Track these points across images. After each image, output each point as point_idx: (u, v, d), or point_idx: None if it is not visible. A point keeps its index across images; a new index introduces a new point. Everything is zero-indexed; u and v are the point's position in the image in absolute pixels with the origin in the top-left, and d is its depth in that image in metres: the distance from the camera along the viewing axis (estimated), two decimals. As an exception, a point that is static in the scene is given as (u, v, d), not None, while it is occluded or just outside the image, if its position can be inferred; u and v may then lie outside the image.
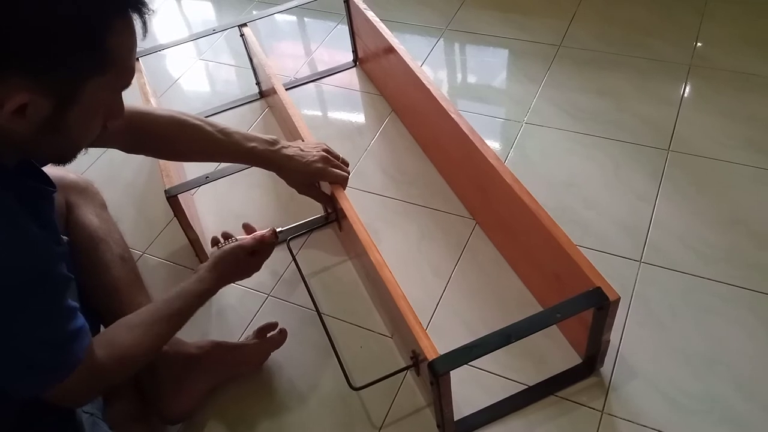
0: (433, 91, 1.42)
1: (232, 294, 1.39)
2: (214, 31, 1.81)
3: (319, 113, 1.85)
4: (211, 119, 1.22)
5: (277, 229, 1.20)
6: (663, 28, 1.87)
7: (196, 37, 1.84)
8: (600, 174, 1.52)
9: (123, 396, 1.14)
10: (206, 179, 1.35)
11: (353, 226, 1.18)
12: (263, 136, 1.22)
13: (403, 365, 1.12)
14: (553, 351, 1.22)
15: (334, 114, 1.83)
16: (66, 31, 0.68)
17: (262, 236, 1.16)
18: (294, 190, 1.26)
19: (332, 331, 1.26)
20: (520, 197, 1.17)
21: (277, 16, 2.14)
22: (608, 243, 1.38)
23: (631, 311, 1.26)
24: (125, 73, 0.77)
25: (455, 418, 1.10)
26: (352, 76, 1.92)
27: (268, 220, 1.20)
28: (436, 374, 0.95)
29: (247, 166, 1.29)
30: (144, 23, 0.75)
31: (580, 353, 1.19)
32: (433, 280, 1.37)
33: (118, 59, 0.74)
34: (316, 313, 1.22)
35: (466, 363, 0.97)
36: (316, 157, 1.23)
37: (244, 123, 1.81)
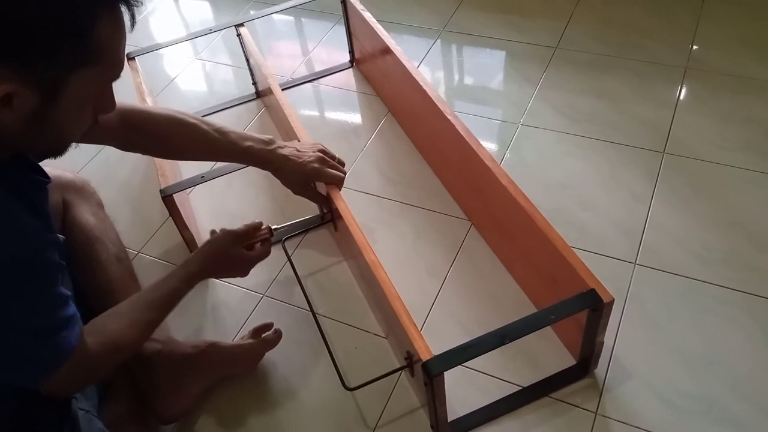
0: (429, 93, 1.42)
1: (227, 294, 1.39)
2: (211, 31, 1.81)
3: (316, 113, 1.84)
4: (208, 119, 1.21)
5: (273, 227, 1.20)
6: (660, 30, 1.88)
7: (192, 37, 1.85)
8: (596, 176, 1.52)
9: (118, 395, 1.14)
10: (202, 179, 1.35)
11: (348, 226, 1.18)
12: (259, 136, 1.22)
13: (398, 366, 1.12)
14: (547, 352, 1.22)
15: (330, 114, 1.83)
16: (53, 22, 0.68)
17: (253, 224, 1.16)
18: (289, 190, 1.27)
19: (327, 332, 1.26)
20: (515, 199, 1.17)
21: (274, 16, 2.14)
22: (604, 245, 1.38)
23: (626, 313, 1.26)
24: (114, 65, 0.77)
25: (449, 419, 1.10)
26: (348, 77, 1.92)
27: (264, 220, 1.20)
28: (430, 375, 0.95)
29: (243, 165, 1.29)
30: (132, 15, 0.75)
31: (575, 354, 1.19)
32: (428, 281, 1.37)
33: (106, 51, 0.73)
34: (310, 313, 1.22)
35: (460, 364, 0.97)
36: (312, 158, 1.23)
37: (241, 123, 1.81)
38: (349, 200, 1.23)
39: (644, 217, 1.42)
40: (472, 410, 1.16)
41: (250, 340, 1.24)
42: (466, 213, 1.48)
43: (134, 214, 1.61)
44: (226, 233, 1.13)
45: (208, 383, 1.21)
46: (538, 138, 1.64)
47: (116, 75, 0.78)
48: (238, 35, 1.75)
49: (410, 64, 1.51)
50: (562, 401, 1.16)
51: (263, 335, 1.25)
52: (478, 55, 1.94)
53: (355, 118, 1.79)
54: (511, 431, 1.13)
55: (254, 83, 1.88)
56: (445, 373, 0.96)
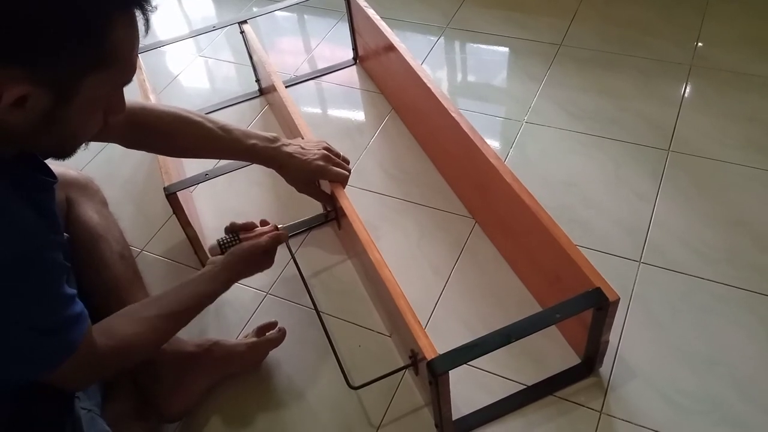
0: (433, 90, 1.41)
1: (230, 292, 1.37)
2: (214, 28, 1.81)
3: (319, 111, 1.84)
4: (212, 116, 1.21)
5: (279, 226, 1.20)
6: (664, 28, 1.87)
7: (196, 34, 1.84)
8: (600, 174, 1.52)
9: (121, 394, 1.14)
10: (205, 176, 1.35)
11: (353, 224, 1.17)
12: (264, 134, 1.21)
13: (402, 364, 1.12)
14: (552, 351, 1.21)
15: (333, 112, 1.83)
16: (68, 26, 0.68)
17: (278, 236, 1.15)
18: (293, 188, 1.26)
19: (331, 330, 1.26)
20: (519, 196, 1.17)
21: (277, 13, 2.13)
22: (608, 243, 1.37)
23: (631, 312, 1.26)
24: (127, 69, 0.77)
25: (454, 418, 1.10)
26: (352, 74, 1.91)
27: (267, 218, 1.20)
28: (434, 374, 0.95)
29: (247, 163, 1.29)
30: (147, 20, 0.75)
31: (579, 353, 1.19)
32: (433, 280, 1.36)
33: (119, 55, 0.73)
34: (314, 311, 1.21)
35: (465, 363, 0.97)
36: (316, 155, 1.23)
37: (244, 120, 1.80)
38: (352, 198, 1.23)
39: (649, 215, 1.42)
40: (477, 409, 1.15)
41: (254, 339, 1.24)
42: (470, 211, 1.48)
43: (137, 211, 1.60)
44: (253, 249, 1.11)
45: (211, 382, 1.21)
46: (542, 135, 1.63)
47: (129, 79, 0.79)
48: (242, 32, 1.74)
49: (414, 62, 1.51)
50: (566, 400, 1.15)
51: (267, 334, 1.25)
52: (481, 53, 1.93)
53: (359, 115, 1.79)
54: (515, 430, 1.13)
55: (257, 80, 1.88)
56: (449, 371, 0.96)
